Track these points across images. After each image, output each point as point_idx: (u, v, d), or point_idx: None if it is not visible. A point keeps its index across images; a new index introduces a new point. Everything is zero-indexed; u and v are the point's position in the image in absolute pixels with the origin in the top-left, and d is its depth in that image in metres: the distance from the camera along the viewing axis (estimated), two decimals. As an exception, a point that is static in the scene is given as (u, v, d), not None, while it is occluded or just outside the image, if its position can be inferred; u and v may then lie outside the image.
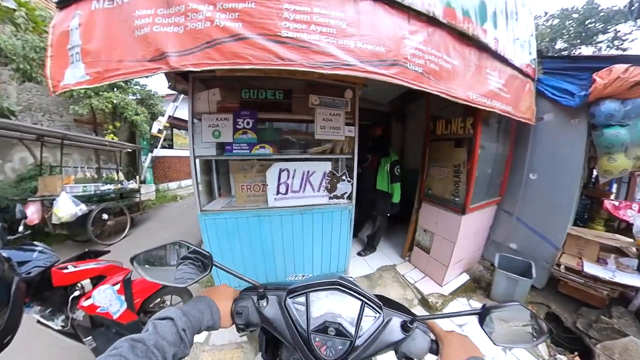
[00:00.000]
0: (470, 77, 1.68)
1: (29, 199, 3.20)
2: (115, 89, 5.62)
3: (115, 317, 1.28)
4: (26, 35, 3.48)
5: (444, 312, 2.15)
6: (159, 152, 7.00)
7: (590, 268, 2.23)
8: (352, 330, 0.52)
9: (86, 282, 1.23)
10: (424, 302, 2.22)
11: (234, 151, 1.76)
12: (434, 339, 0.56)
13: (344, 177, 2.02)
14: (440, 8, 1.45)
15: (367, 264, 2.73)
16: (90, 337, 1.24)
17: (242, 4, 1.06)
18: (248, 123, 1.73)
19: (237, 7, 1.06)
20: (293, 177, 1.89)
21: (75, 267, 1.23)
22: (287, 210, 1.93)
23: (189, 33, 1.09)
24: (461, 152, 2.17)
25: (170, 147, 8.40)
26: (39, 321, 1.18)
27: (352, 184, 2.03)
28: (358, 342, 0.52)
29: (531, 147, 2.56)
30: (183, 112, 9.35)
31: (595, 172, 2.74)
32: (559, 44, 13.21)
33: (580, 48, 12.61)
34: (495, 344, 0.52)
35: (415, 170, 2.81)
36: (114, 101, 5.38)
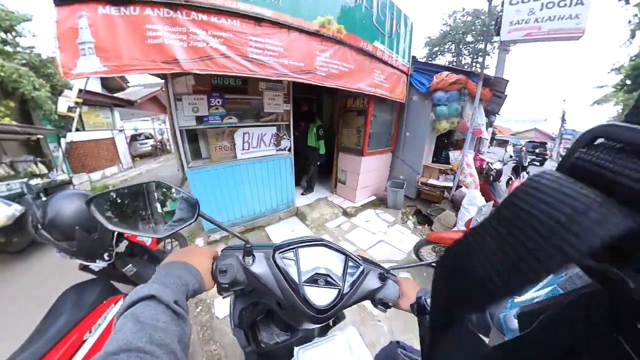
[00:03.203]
0: (362, 74, 3.06)
1: None
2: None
3: (147, 243, 1.63)
4: None
5: (360, 217, 3.76)
6: (71, 136, 6.28)
7: (432, 181, 4.20)
8: (339, 280, 0.62)
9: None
10: (344, 212, 3.85)
11: (210, 121, 2.68)
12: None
13: (284, 136, 3.28)
14: (345, 33, 2.70)
15: (308, 198, 4.20)
16: (130, 264, 1.35)
17: (224, 33, 2.03)
18: (219, 101, 2.67)
19: (222, 35, 2.02)
20: (252, 138, 3.00)
21: None
22: (250, 161, 3.06)
23: (192, 48, 1.97)
24: (361, 118, 3.70)
25: (81, 129, 7.44)
26: (83, 267, 1.22)
27: (290, 141, 3.32)
28: (345, 290, 0.61)
29: (406, 116, 4.33)
30: (97, 84, 8.13)
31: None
32: (469, 38, 16.26)
33: (481, 44, 15.82)
34: None
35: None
36: (1, 74, 4.50)
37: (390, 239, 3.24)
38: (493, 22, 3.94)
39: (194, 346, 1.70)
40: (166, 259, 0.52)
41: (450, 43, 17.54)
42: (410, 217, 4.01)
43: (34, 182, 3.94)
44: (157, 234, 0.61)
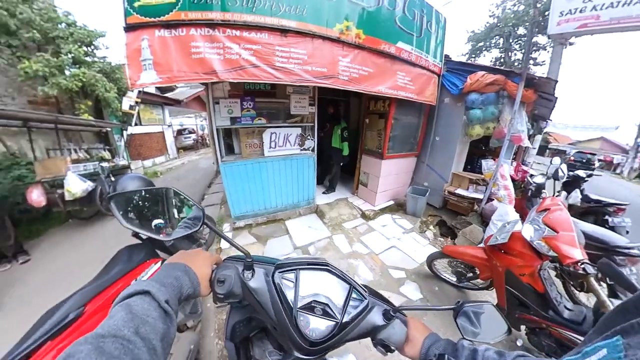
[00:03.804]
0: (384, 77, 3.13)
1: (41, 181, 3.52)
2: (79, 66, 5.68)
3: None
4: None
5: (377, 221, 3.83)
6: (131, 129, 7.47)
7: (460, 191, 4.06)
8: (338, 312, 0.57)
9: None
10: (363, 214, 3.95)
11: (242, 122, 3.04)
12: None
13: (309, 137, 3.52)
14: (364, 37, 2.83)
15: (329, 198, 4.40)
16: None
17: (254, 46, 2.32)
18: (250, 104, 3.01)
19: (252, 47, 2.32)
20: (278, 137, 3.30)
21: None
22: (276, 158, 3.37)
23: (227, 60, 2.30)
24: (382, 121, 3.76)
25: (139, 123, 8.75)
26: (134, 233, 1.33)
27: (313, 141, 3.54)
28: (343, 324, 0.56)
29: (436, 119, 4.23)
30: (152, 86, 9.55)
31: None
32: (521, 30, 14.64)
33: (537, 36, 13.95)
34: (463, 337, 0.60)
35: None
36: (83, 79, 5.53)
37: (403, 245, 3.26)
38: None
39: (209, 313, 2.01)
40: (170, 258, 0.56)
41: (498, 37, 15.81)
42: (432, 227, 3.93)
43: (105, 164, 4.86)
44: (167, 237, 0.68)
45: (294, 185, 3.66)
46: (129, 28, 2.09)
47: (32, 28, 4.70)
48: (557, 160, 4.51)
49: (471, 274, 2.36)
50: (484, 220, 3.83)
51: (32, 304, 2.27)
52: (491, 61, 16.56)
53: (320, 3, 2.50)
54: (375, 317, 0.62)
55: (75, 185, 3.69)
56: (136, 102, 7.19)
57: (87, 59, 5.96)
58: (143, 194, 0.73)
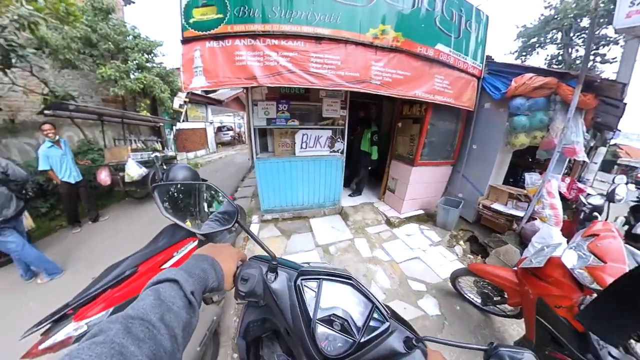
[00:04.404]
0: (420, 81, 3.09)
1: (108, 164, 4.39)
2: (142, 70, 6.62)
3: None
4: (63, 27, 3.92)
5: (402, 229, 3.78)
6: (179, 125, 8.40)
7: (497, 206, 3.79)
8: (357, 330, 0.55)
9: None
10: (387, 221, 3.92)
11: (276, 123, 3.28)
12: None
13: (339, 139, 3.63)
14: (402, 40, 2.84)
15: (355, 200, 4.45)
16: None
17: (291, 53, 2.50)
18: (285, 106, 3.23)
19: (289, 55, 2.50)
20: (310, 139, 3.47)
21: None
22: (306, 159, 3.55)
23: (266, 67, 2.51)
24: (416, 126, 3.69)
25: (185, 120, 9.77)
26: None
27: (343, 144, 3.64)
28: (360, 344, 0.54)
29: (475, 126, 4.00)
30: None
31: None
32: (584, 22, 12.82)
33: (607, 28, 11.82)
34: None
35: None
36: (144, 82, 6.44)
37: (428, 258, 3.15)
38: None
39: (231, 292, 2.21)
40: (199, 250, 0.58)
41: (555, 31, 13.76)
42: (462, 243, 3.71)
43: (158, 154, 5.62)
44: (199, 230, 0.71)
45: (321, 186, 3.80)
46: (185, 41, 2.43)
47: (108, 40, 5.69)
48: (621, 178, 3.92)
49: (499, 298, 2.19)
50: (523, 242, 3.45)
51: (95, 261, 2.82)
52: (546, 59, 14.58)
53: (353, 9, 2.58)
54: (395, 342, 0.58)
55: (134, 170, 4.43)
56: (185, 102, 8.06)
57: (148, 64, 6.90)
58: (183, 186, 0.80)
